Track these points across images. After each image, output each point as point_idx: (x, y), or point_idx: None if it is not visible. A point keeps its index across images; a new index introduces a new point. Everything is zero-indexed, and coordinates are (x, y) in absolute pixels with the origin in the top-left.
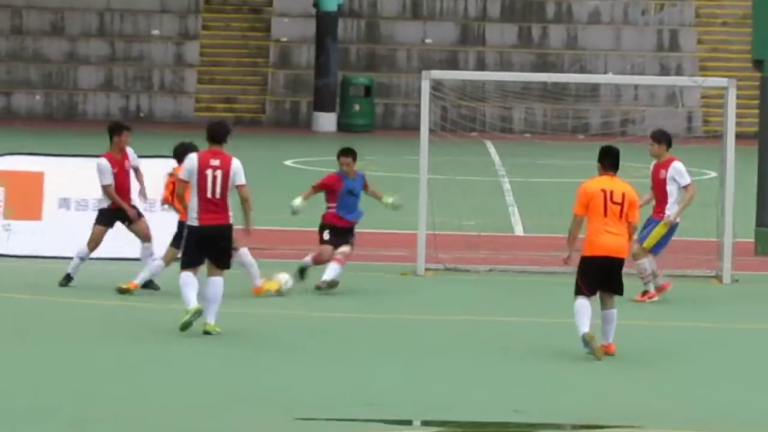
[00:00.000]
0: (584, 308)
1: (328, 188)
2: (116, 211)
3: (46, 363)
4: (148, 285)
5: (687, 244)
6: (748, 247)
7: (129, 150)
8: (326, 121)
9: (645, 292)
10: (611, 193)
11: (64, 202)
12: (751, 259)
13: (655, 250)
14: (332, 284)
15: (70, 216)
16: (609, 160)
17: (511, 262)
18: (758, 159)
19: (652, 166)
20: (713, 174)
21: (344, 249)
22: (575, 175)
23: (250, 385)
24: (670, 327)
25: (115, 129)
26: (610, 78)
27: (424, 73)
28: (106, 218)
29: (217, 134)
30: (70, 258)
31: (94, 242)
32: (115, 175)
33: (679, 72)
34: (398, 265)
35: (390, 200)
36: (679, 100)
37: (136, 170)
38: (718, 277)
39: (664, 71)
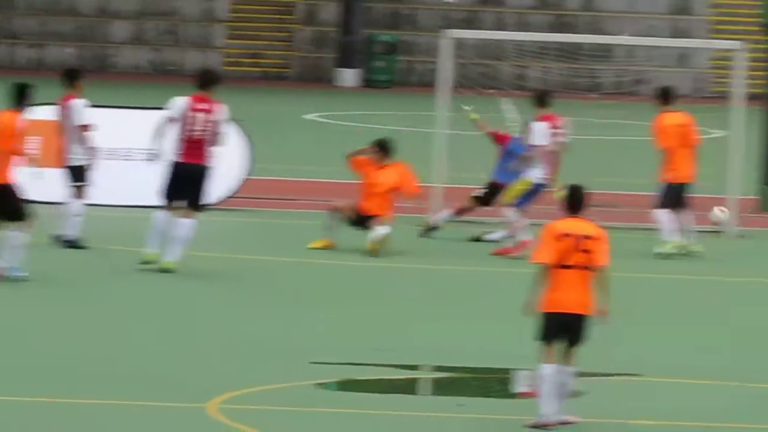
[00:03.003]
0: None
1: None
2: None
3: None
4: None
5: (696, 200)
6: (753, 204)
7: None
8: (349, 76)
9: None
10: None
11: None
12: (757, 215)
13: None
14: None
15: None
16: None
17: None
18: (765, 119)
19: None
20: (717, 133)
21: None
22: (587, 132)
23: (258, 330)
24: (677, 279)
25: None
26: (624, 39)
27: (444, 32)
28: None
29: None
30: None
31: None
32: None
33: (691, 34)
34: (411, 217)
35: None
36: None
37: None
38: (724, 233)
39: (676, 33)
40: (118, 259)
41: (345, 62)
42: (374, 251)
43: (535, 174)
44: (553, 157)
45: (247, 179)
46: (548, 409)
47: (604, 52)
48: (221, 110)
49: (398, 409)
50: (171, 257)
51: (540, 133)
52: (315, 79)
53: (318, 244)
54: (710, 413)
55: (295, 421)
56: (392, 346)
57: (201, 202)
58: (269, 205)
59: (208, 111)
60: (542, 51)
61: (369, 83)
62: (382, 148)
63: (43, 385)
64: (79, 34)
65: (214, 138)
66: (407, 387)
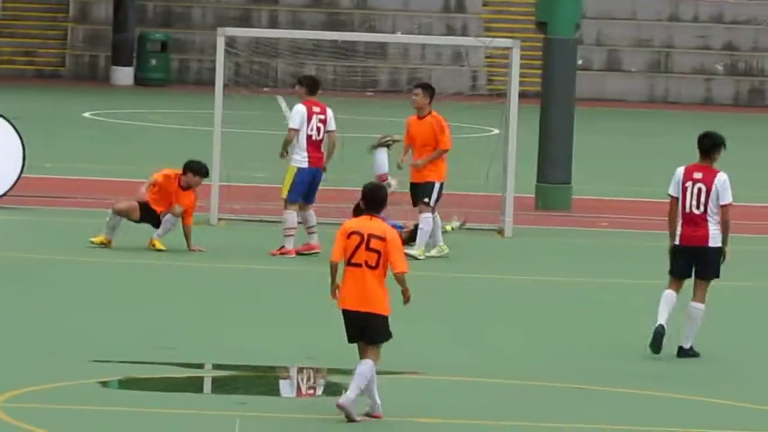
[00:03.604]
0: None
1: None
2: None
3: None
4: None
5: (471, 198)
6: (528, 201)
7: None
8: (123, 74)
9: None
10: None
11: None
12: (532, 213)
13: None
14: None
15: None
16: None
17: None
18: (540, 118)
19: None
20: (496, 131)
21: None
22: (362, 130)
23: (36, 329)
24: (454, 279)
25: None
26: (398, 37)
27: (219, 30)
28: None
29: None
30: None
31: None
32: None
33: (464, 32)
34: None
35: None
36: (465, 59)
37: None
38: (501, 231)
39: (450, 31)
40: None
41: (118, 60)
42: (156, 247)
43: (296, 158)
44: (317, 143)
45: (20, 177)
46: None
47: (378, 51)
48: None
49: (180, 407)
50: None
51: (294, 116)
52: (90, 77)
53: (98, 239)
54: (491, 411)
55: (78, 420)
56: (174, 345)
57: None
58: (44, 203)
59: None
60: (317, 49)
61: (143, 81)
62: (199, 173)
63: None
64: None
65: None
66: (189, 385)
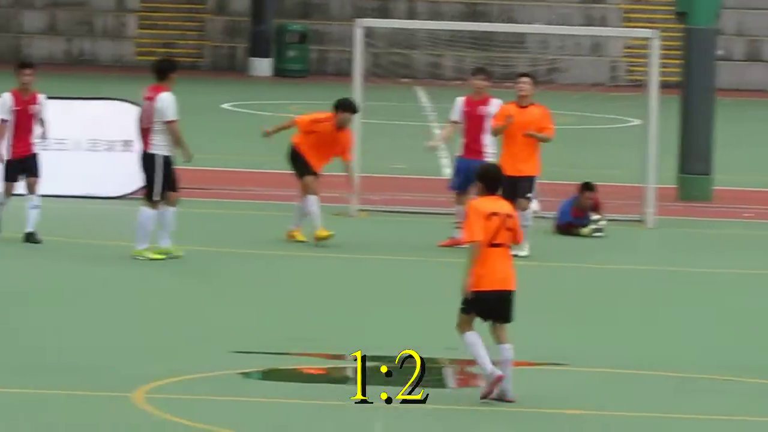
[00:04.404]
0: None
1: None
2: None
3: None
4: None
5: (612, 189)
6: (670, 192)
7: (40, 96)
8: (262, 66)
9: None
10: None
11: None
12: (674, 204)
13: None
14: None
15: None
16: None
17: (441, 204)
18: (681, 108)
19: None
20: (636, 122)
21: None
22: None
23: (180, 320)
24: (598, 269)
25: (17, 66)
26: (536, 28)
27: (357, 21)
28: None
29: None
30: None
31: None
32: (16, 113)
33: (603, 23)
34: (332, 206)
35: None
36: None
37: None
38: (642, 222)
39: (589, 22)
40: (33, 248)
41: (257, 52)
42: (296, 238)
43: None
44: (464, 132)
45: None
46: (490, 366)
47: (517, 41)
48: (160, 99)
49: (321, 399)
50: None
51: (456, 108)
52: (228, 68)
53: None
54: (638, 402)
55: (221, 410)
56: (315, 336)
57: (152, 191)
58: (186, 195)
59: (151, 99)
60: (455, 40)
61: (281, 73)
62: (349, 109)
63: None
64: None
65: (154, 126)
66: (330, 376)
